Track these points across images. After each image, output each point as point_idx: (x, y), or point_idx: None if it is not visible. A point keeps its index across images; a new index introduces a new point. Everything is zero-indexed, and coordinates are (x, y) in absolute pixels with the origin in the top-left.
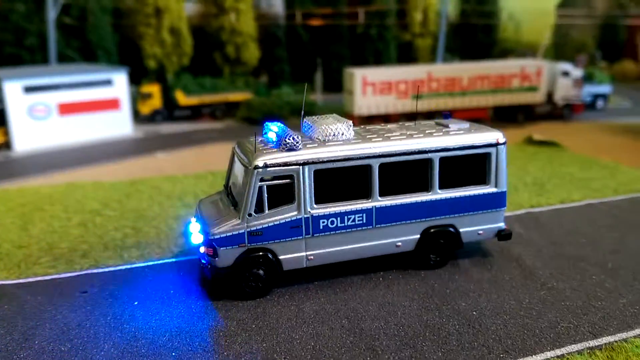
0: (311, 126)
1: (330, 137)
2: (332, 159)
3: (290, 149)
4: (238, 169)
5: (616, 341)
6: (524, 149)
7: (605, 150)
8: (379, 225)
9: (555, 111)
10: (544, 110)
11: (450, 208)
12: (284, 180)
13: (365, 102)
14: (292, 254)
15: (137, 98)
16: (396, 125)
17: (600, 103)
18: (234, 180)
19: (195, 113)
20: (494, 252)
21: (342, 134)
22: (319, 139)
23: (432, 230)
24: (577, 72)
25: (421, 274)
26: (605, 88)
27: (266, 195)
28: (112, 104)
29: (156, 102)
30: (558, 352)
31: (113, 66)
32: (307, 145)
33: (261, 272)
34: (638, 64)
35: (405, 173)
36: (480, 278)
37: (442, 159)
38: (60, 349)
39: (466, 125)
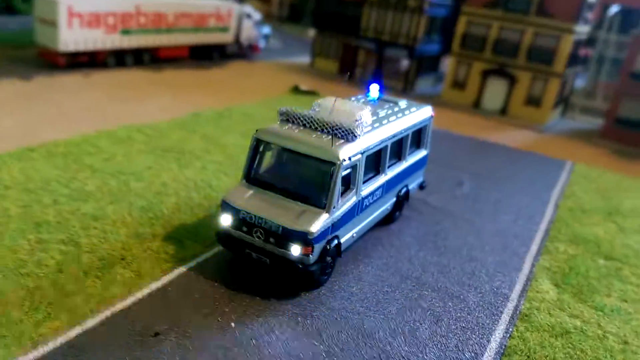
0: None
1: (364, 124)
2: (375, 144)
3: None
4: (289, 161)
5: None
6: (297, 98)
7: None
8: (384, 196)
9: (241, 51)
10: (233, 50)
11: (409, 172)
12: (349, 170)
13: (71, 36)
14: (347, 236)
15: None
16: (361, 103)
17: (263, 43)
18: (278, 173)
19: None
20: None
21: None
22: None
23: (400, 192)
24: (257, 15)
25: (392, 229)
26: (267, 29)
27: (340, 186)
28: None
29: None
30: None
31: None
32: None
33: (330, 259)
34: (264, 4)
35: (396, 148)
36: (437, 221)
37: (411, 133)
38: None
39: (404, 100)
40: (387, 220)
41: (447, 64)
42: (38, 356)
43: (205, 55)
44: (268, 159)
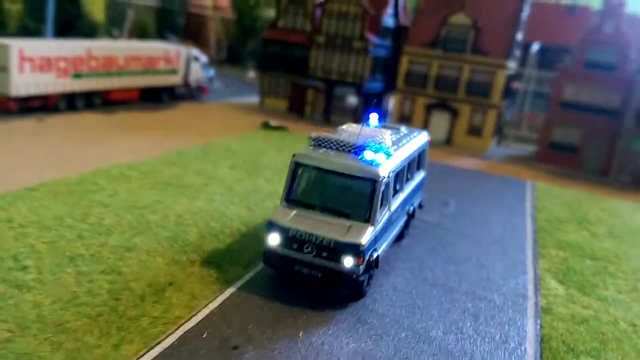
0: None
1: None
2: (399, 164)
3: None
4: (329, 181)
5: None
6: (267, 133)
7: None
8: (401, 213)
9: (190, 92)
10: (182, 92)
11: (415, 191)
12: (384, 187)
13: (23, 80)
14: (382, 249)
15: None
16: (372, 128)
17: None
18: (318, 193)
19: None
20: None
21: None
22: None
23: (409, 210)
24: (203, 58)
25: (403, 244)
26: (211, 72)
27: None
28: None
29: None
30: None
31: None
32: None
33: (372, 271)
34: (201, 47)
35: (408, 167)
36: (440, 236)
37: (417, 155)
38: None
39: (404, 127)
40: (398, 236)
41: (390, 101)
42: None
43: (155, 98)
44: (305, 180)
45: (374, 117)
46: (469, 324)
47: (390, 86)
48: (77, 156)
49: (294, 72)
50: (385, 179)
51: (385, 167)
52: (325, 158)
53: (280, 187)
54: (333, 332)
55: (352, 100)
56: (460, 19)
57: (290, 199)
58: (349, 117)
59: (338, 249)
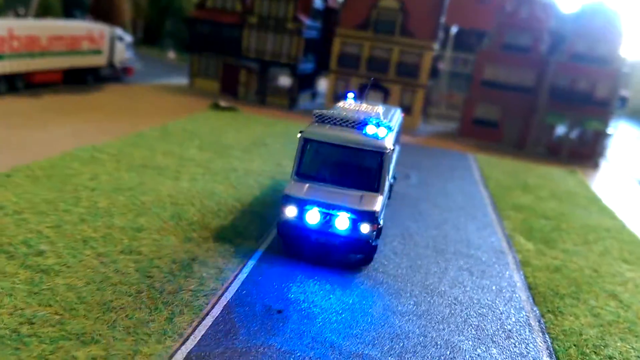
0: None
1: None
2: (394, 137)
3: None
4: (338, 155)
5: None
6: (218, 114)
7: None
8: (391, 181)
9: (115, 74)
10: (107, 73)
11: (396, 163)
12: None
13: None
14: (382, 218)
15: None
16: (368, 105)
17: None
18: (327, 166)
19: None
20: None
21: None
22: None
23: (392, 181)
24: (128, 38)
25: (386, 212)
26: (130, 53)
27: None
28: None
29: None
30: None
31: None
32: None
33: (378, 240)
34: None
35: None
36: (414, 204)
37: (399, 129)
38: None
39: (379, 104)
40: None
41: (322, 82)
42: (195, 343)
43: (79, 79)
44: (314, 155)
45: (351, 97)
46: (466, 278)
47: (320, 67)
48: (23, 143)
49: (226, 53)
50: (390, 151)
51: (389, 140)
52: (333, 133)
53: (252, 165)
54: (358, 293)
55: (286, 80)
56: (388, 2)
57: (300, 173)
58: (283, 97)
59: (355, 217)
